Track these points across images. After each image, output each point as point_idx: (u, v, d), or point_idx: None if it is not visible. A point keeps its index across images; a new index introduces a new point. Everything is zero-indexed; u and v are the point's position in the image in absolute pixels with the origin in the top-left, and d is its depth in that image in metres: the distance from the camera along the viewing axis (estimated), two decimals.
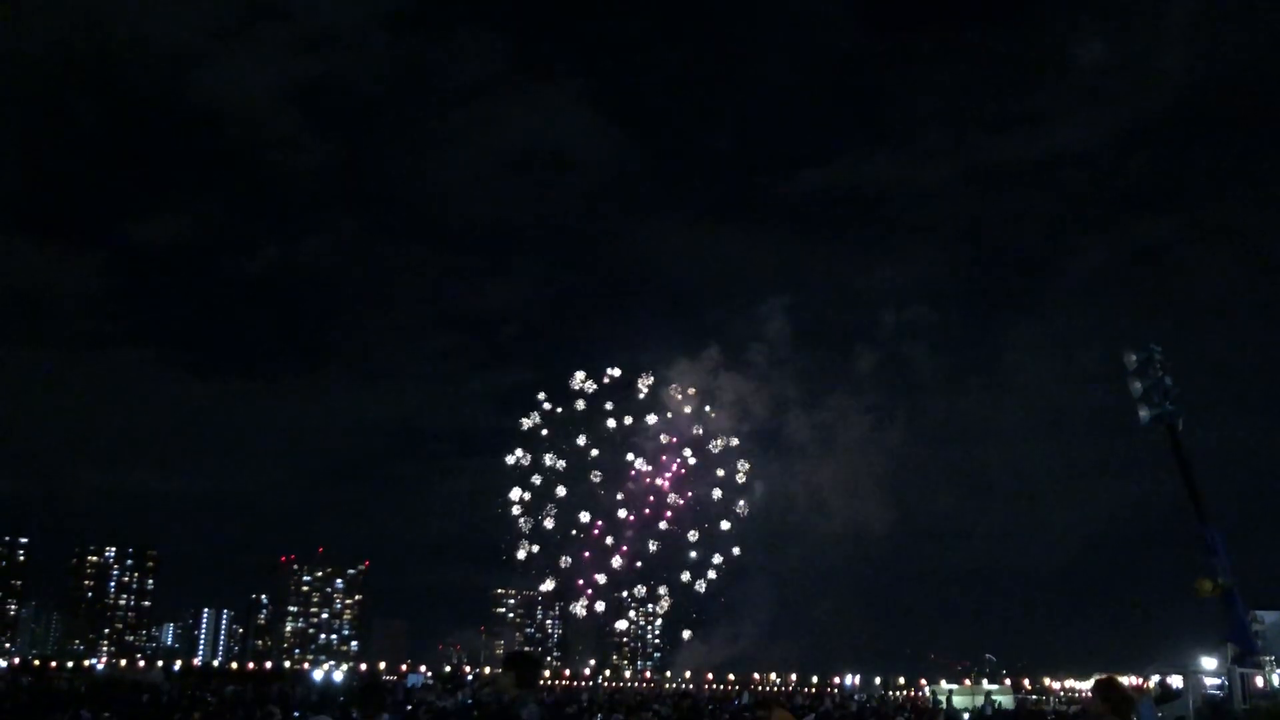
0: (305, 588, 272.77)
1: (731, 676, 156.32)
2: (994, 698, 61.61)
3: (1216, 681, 32.85)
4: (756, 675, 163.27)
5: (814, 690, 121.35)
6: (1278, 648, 32.02)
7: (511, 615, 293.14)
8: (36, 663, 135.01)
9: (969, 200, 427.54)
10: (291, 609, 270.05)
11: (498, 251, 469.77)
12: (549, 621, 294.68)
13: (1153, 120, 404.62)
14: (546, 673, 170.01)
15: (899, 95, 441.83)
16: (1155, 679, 46.38)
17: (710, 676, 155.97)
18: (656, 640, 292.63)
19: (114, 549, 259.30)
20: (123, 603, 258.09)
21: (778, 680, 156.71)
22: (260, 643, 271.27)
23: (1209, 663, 36.52)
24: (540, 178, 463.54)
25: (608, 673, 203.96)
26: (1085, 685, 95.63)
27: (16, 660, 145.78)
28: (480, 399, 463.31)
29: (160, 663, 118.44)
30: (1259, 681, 31.04)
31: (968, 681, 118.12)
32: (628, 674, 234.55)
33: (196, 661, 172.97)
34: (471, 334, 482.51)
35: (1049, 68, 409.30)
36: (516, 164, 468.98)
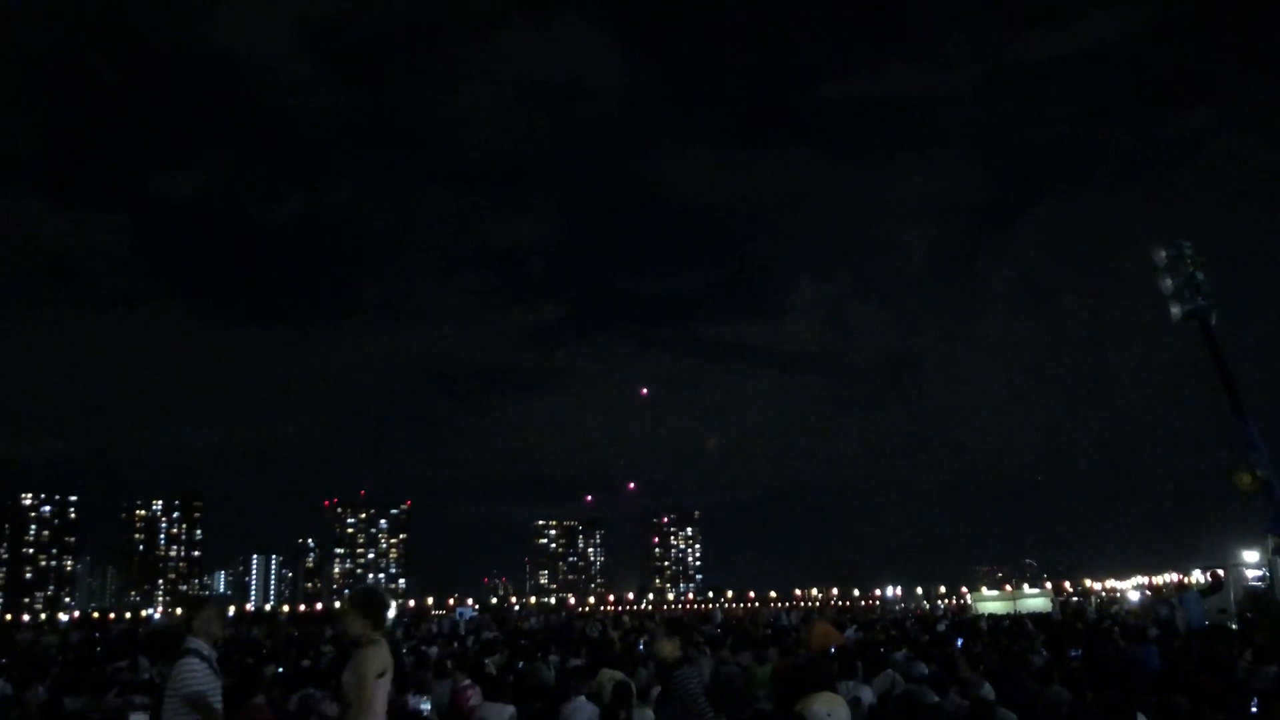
0: (350, 530, 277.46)
1: (774, 594, 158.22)
2: (1039, 602, 61.84)
3: (1258, 573, 32.79)
4: (798, 591, 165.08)
5: (850, 604, 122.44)
6: None
7: (554, 545, 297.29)
8: (95, 615, 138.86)
9: (997, 102, 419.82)
10: (338, 551, 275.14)
11: (519, 184, 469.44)
12: (590, 550, 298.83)
13: (1178, 11, 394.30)
14: (591, 599, 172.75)
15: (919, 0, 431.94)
16: (1195, 573, 46.44)
17: (752, 595, 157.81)
18: (698, 563, 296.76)
19: (160, 502, 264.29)
20: (174, 553, 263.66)
21: (818, 595, 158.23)
22: (310, 585, 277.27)
23: (1250, 555, 36.49)
24: (559, 107, 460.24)
25: (651, 596, 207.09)
26: (1126, 584, 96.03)
27: (76, 614, 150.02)
28: (511, 335, 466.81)
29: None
30: None
31: (1009, 588, 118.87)
32: (670, 596, 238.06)
33: (249, 607, 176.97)
34: (499, 270, 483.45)
35: None
36: (534, 95, 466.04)
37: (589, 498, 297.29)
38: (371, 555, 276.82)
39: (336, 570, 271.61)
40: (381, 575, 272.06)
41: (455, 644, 28.56)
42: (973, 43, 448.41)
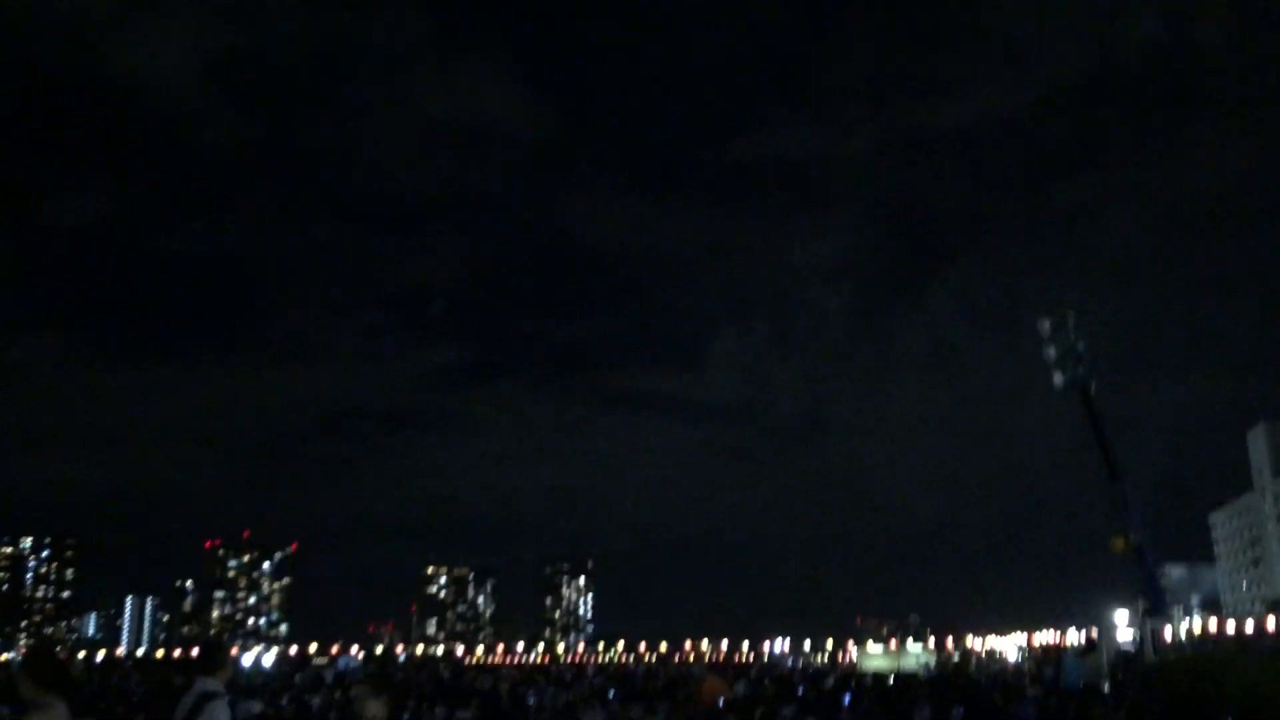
0: (232, 572, 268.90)
1: (664, 647, 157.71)
2: (921, 659, 62.92)
3: (1130, 634, 34.06)
4: (688, 643, 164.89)
5: (743, 657, 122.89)
6: (1184, 600, 33.39)
7: (443, 594, 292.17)
8: None
9: (890, 169, 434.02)
10: (218, 594, 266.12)
11: (423, 227, 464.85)
12: (480, 598, 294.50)
13: (1069, 86, 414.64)
14: (480, 649, 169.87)
15: (822, 64, 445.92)
16: (1072, 632, 47.94)
17: (644, 646, 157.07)
18: (589, 615, 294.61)
19: (30, 539, 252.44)
20: (40, 594, 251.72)
21: (709, 647, 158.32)
22: (186, 629, 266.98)
23: (1122, 616, 37.90)
24: (466, 149, 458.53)
25: (540, 647, 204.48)
26: (1006, 642, 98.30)
27: None
28: (411, 377, 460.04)
29: (82, 654, 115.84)
30: (1167, 634, 32.33)
31: (893, 643, 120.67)
32: (561, 648, 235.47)
33: (120, 651, 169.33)
34: (400, 310, 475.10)
35: (967, 35, 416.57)
36: (442, 136, 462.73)
37: None
38: (253, 599, 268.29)
39: (216, 614, 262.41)
40: (263, 620, 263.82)
41: (337, 694, 27.85)
42: (869, 109, 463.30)
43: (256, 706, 18.80)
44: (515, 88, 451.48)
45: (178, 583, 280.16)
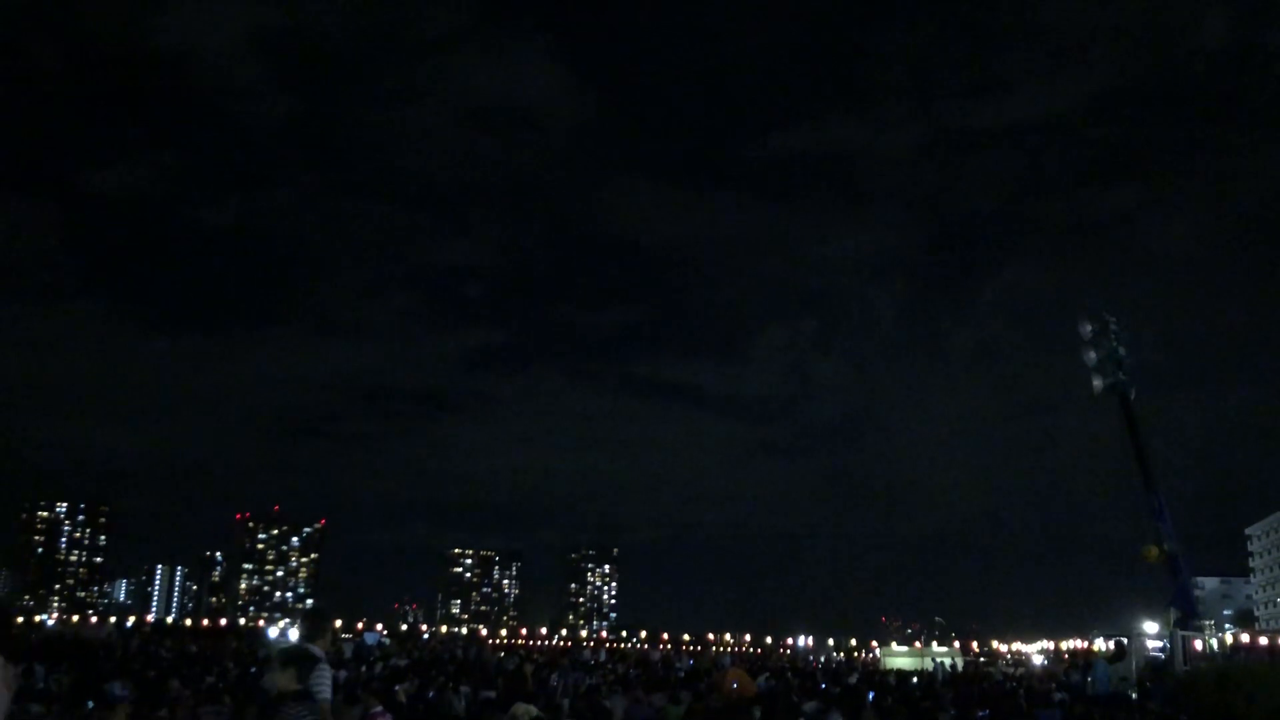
0: (261, 545, 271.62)
1: (686, 637, 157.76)
2: (944, 659, 62.56)
3: (1158, 644, 33.66)
4: (711, 635, 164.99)
5: (762, 651, 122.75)
6: (1215, 612, 33.00)
7: (469, 575, 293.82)
8: None
9: (935, 167, 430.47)
10: (246, 566, 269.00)
11: (462, 208, 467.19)
12: (505, 581, 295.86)
13: (1121, 90, 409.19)
14: (503, 631, 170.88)
15: (868, 59, 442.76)
16: (1099, 640, 47.45)
17: (665, 636, 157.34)
18: (613, 601, 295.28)
19: (65, 504, 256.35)
20: (74, 558, 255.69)
21: (731, 641, 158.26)
22: (215, 600, 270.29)
23: (1150, 626, 37.48)
24: (506, 134, 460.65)
25: (563, 631, 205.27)
26: (1031, 648, 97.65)
27: None
28: (443, 358, 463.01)
29: (113, 619, 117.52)
30: (1198, 645, 31.92)
31: (918, 644, 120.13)
32: (584, 633, 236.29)
33: (150, 618, 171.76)
34: (435, 292, 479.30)
35: (1017, 34, 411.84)
36: (483, 120, 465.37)
37: None
38: (280, 573, 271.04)
39: (243, 586, 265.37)
40: (289, 594, 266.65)
41: (364, 669, 28.07)
42: (915, 106, 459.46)
43: None
44: (558, 74, 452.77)
45: (207, 553, 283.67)
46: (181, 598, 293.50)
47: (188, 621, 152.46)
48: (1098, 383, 32.39)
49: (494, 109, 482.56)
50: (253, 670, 22.80)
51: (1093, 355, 32.61)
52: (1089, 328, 32.82)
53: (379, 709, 12.68)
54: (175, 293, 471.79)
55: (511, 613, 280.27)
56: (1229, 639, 69.29)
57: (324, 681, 7.51)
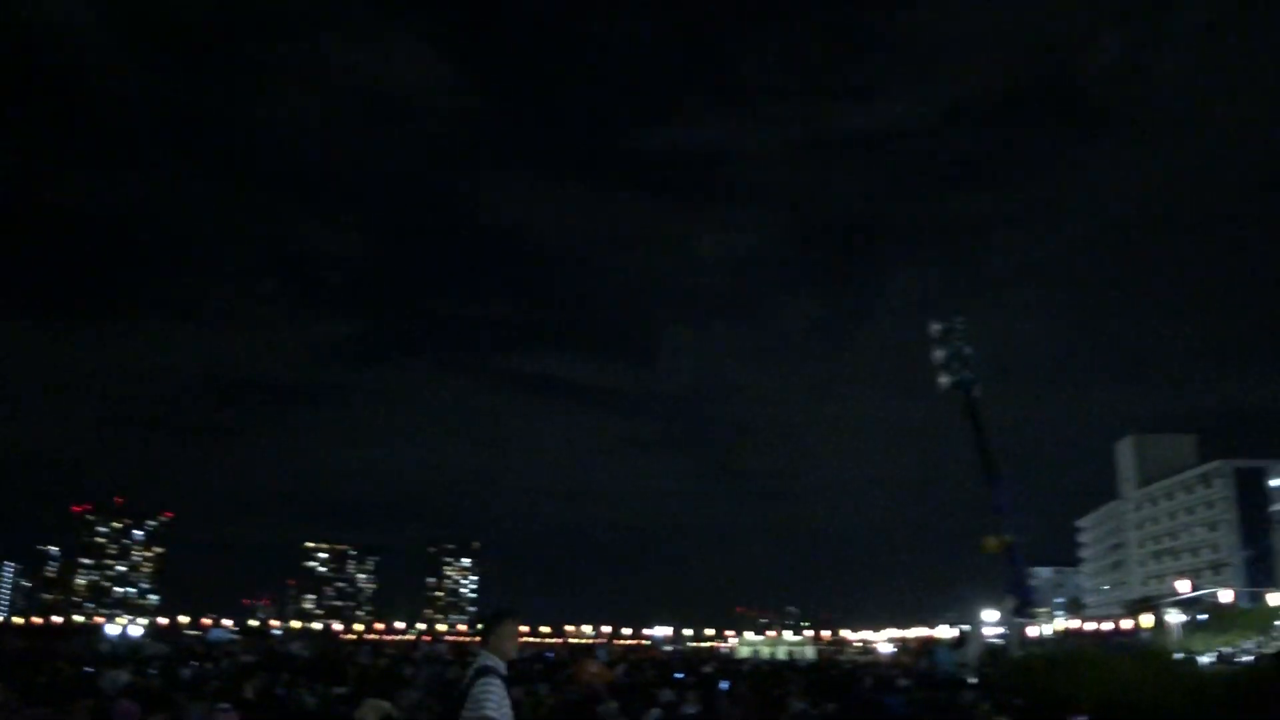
0: (101, 539, 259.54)
1: (546, 629, 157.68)
2: (794, 650, 64.37)
3: (998, 631, 35.30)
4: (570, 628, 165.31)
5: (620, 642, 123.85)
6: (1048, 600, 34.84)
7: (323, 569, 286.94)
8: None
9: (803, 167, 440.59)
10: (85, 561, 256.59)
11: (327, 195, 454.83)
12: (361, 575, 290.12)
13: (978, 100, 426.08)
14: (359, 627, 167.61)
15: (742, 58, 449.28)
16: (943, 628, 49.48)
17: (524, 629, 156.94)
18: (472, 595, 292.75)
19: None
20: None
21: (592, 632, 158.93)
22: (50, 596, 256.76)
23: (991, 615, 39.34)
24: (375, 121, 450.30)
25: (420, 627, 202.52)
26: (879, 637, 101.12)
27: None
28: (304, 348, 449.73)
29: None
30: (1032, 631, 33.68)
31: (771, 633, 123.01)
32: (442, 628, 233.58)
33: None
34: (294, 280, 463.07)
35: (883, 42, 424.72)
36: (353, 104, 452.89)
37: None
38: (123, 568, 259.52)
39: (82, 581, 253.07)
40: (131, 589, 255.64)
41: (210, 665, 27.16)
42: (785, 106, 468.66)
43: (124, 677, 18.21)
44: (432, 60, 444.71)
45: (40, 547, 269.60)
46: (14, 595, 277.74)
47: (17, 620, 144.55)
48: (944, 379, 33.86)
49: (364, 93, 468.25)
50: (88, 670, 21.83)
51: (939, 353, 34.05)
52: (937, 327, 34.24)
53: (225, 707, 12.31)
54: (19, 277, 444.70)
55: (367, 607, 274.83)
56: (1061, 625, 73.23)
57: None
